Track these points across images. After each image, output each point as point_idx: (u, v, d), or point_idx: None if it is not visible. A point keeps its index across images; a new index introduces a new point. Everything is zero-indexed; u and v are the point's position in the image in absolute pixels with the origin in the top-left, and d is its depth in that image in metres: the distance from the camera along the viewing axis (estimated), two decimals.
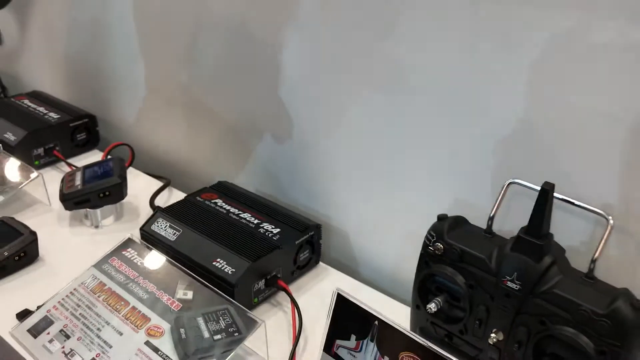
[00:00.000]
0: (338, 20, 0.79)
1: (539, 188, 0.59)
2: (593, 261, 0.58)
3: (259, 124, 0.96)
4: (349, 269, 0.91)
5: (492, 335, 0.61)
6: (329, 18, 0.80)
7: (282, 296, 0.83)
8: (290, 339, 0.75)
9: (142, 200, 1.02)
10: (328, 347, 0.57)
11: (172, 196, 1.04)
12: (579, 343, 0.55)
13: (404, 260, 0.85)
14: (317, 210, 0.93)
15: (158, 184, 1.07)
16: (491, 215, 0.64)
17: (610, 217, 0.58)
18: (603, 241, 0.57)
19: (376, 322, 0.53)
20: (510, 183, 0.64)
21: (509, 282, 0.59)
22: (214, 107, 1.02)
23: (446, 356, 0.49)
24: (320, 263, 0.89)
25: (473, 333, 0.63)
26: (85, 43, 1.21)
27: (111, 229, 0.96)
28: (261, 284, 0.80)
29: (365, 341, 0.54)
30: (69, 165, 1.10)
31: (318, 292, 0.84)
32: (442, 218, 0.66)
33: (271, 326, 0.76)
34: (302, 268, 0.86)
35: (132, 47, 1.09)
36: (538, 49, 0.63)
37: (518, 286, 0.59)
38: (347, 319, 0.56)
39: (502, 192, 0.64)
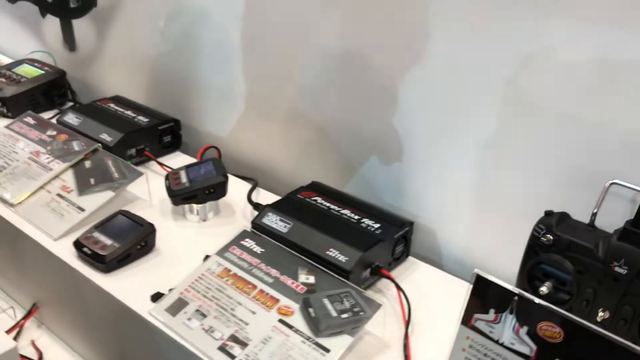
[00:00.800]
0: (460, 50, 0.87)
1: (637, 188, 0.69)
2: None
3: (364, 143, 1.04)
4: (434, 262, 1.00)
5: (600, 313, 0.71)
6: (451, 51, 0.88)
7: (382, 284, 0.92)
8: (396, 322, 0.84)
9: (234, 197, 1.10)
10: (465, 321, 0.66)
11: (260, 195, 1.13)
12: None
13: (492, 255, 0.94)
14: (404, 208, 1.02)
15: (244, 183, 1.16)
16: (594, 211, 0.74)
17: None
18: None
19: (516, 297, 0.63)
20: (611, 183, 0.74)
21: (616, 268, 0.69)
22: (317, 121, 1.09)
23: (582, 322, 0.59)
24: (409, 257, 0.99)
25: (579, 313, 0.73)
26: (169, 52, 1.29)
27: (212, 223, 1.04)
28: (367, 272, 0.89)
29: (504, 314, 0.64)
30: (160, 164, 1.18)
31: (412, 281, 0.93)
32: (549, 213, 0.76)
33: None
34: (397, 260, 0.95)
35: (226, 58, 1.18)
36: None
37: (625, 271, 0.68)
38: (486, 296, 0.65)
39: (605, 191, 0.74)
